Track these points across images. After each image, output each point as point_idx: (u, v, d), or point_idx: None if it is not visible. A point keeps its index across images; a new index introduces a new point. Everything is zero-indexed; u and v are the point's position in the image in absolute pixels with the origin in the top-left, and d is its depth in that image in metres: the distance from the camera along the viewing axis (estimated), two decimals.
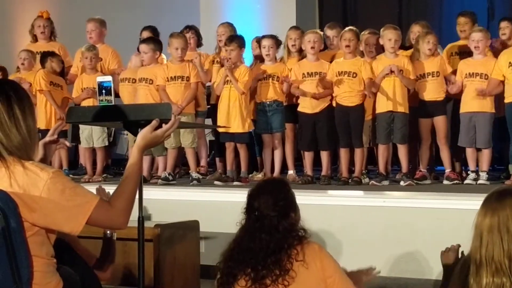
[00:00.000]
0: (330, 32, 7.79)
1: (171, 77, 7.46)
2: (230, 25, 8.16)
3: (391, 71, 6.93)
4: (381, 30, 7.25)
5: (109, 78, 3.60)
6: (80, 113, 3.76)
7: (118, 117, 3.41)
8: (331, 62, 7.43)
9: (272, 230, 3.30)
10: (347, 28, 7.35)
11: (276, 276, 3.25)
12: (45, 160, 3.20)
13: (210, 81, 7.95)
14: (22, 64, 8.31)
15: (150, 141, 3.02)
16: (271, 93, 7.44)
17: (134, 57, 8.10)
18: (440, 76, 7.12)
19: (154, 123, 3.03)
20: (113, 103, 3.52)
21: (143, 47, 7.68)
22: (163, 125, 3.06)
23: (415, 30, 7.54)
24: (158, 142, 3.09)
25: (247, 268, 3.30)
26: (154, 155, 7.69)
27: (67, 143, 3.33)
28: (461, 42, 7.54)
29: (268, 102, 7.45)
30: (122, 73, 7.99)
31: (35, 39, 8.81)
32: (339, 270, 3.40)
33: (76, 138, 8.01)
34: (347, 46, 7.14)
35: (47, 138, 3.24)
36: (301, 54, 7.54)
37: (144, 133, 3.01)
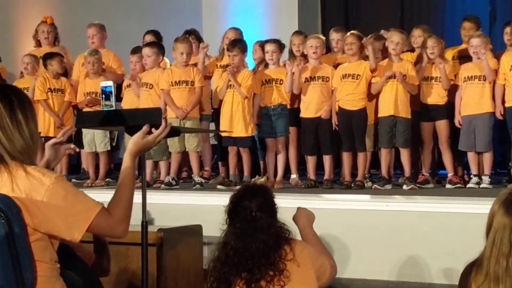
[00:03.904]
0: (335, 35, 7.77)
1: (175, 82, 7.47)
2: (239, 31, 8.16)
3: (394, 76, 6.96)
4: (388, 33, 7.30)
5: (110, 83, 3.62)
6: (88, 118, 3.80)
7: (120, 122, 3.43)
8: (333, 65, 7.45)
9: (269, 230, 3.36)
10: (349, 32, 7.36)
11: (270, 277, 3.28)
12: (51, 163, 3.19)
13: (208, 74, 7.94)
14: (25, 68, 8.32)
15: (142, 147, 3.02)
16: (275, 97, 7.44)
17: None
18: (443, 80, 7.12)
19: (145, 128, 3.03)
20: (113, 108, 3.54)
21: (147, 50, 7.69)
22: (153, 130, 3.05)
23: (416, 34, 7.54)
24: (150, 148, 3.09)
25: (243, 272, 3.31)
26: (154, 159, 7.68)
27: (72, 146, 3.33)
28: (463, 46, 7.55)
29: (272, 106, 7.45)
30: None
31: (38, 44, 8.84)
32: (321, 257, 3.51)
33: (78, 143, 8.01)
34: (349, 49, 7.18)
35: (54, 140, 3.23)
36: (306, 58, 7.53)
37: (136, 139, 3.01)
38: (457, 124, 7.09)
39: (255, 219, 3.37)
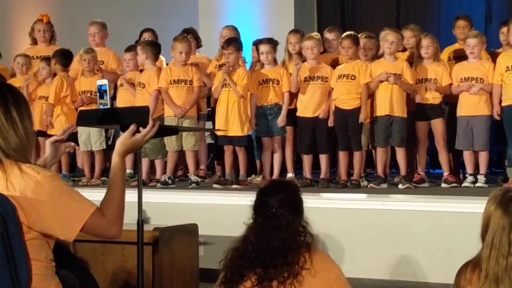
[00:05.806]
0: (329, 35, 7.81)
1: (173, 80, 7.47)
2: (234, 28, 8.16)
3: (387, 79, 6.97)
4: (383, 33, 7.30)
5: (105, 81, 3.62)
6: (87, 117, 3.80)
7: (113, 120, 3.43)
8: (331, 64, 7.44)
9: (289, 228, 3.30)
10: (345, 35, 7.33)
11: (284, 278, 3.25)
12: (51, 161, 3.18)
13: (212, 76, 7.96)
14: (20, 69, 8.30)
15: (130, 147, 2.99)
16: (272, 97, 7.44)
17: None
18: (438, 82, 7.12)
19: (132, 128, 3.01)
20: (108, 106, 3.54)
21: (142, 50, 7.67)
22: (141, 129, 3.03)
23: (407, 35, 7.53)
24: (138, 147, 3.07)
25: (258, 268, 3.27)
26: (150, 158, 7.66)
27: (72, 144, 3.32)
28: (457, 46, 7.55)
29: (269, 106, 7.45)
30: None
31: (34, 42, 8.82)
32: (343, 277, 3.42)
33: (74, 141, 7.97)
34: (346, 55, 7.19)
35: (55, 137, 3.22)
36: (303, 56, 7.52)
37: (124, 139, 2.98)
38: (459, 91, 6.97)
39: (274, 215, 3.31)
